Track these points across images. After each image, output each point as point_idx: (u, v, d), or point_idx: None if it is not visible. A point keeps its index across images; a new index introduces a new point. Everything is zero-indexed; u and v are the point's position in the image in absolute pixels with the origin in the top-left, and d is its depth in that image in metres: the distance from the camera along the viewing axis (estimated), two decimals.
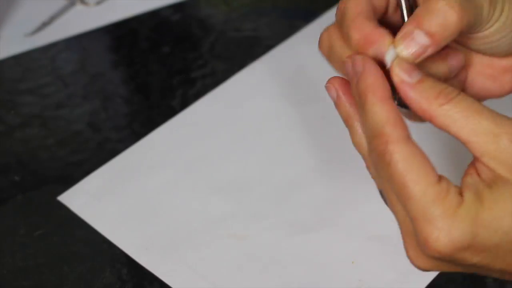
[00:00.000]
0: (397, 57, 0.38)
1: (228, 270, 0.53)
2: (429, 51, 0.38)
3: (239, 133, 0.65)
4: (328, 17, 0.77)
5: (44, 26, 0.79)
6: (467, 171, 0.39)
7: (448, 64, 0.42)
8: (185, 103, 0.69)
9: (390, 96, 0.37)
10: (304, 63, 0.72)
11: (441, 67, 0.42)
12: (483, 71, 0.45)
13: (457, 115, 0.37)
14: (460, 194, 0.36)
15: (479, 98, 0.45)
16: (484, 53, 0.44)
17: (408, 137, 0.37)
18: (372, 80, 0.37)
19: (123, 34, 0.79)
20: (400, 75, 0.38)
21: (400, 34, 0.38)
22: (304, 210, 0.57)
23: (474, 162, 0.38)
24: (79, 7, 0.82)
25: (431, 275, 0.52)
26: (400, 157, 0.36)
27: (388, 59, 0.38)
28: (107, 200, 0.59)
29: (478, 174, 0.38)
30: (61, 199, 0.60)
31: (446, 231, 0.35)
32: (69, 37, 0.78)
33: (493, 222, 0.36)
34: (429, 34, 0.38)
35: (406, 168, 0.36)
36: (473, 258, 0.36)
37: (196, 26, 0.80)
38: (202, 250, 0.55)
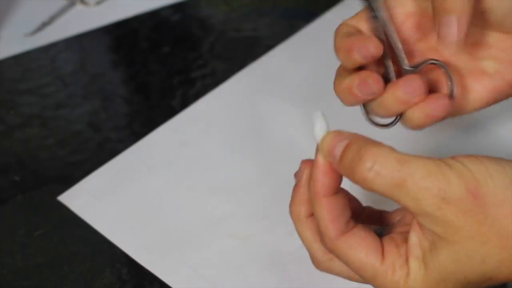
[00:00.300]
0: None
1: (228, 270, 0.53)
2: (464, 23, 0.41)
3: (239, 133, 0.65)
4: (328, 18, 0.78)
5: (44, 26, 0.79)
6: (412, 225, 0.40)
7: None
8: (185, 103, 0.69)
9: (329, 194, 0.41)
10: (304, 63, 0.73)
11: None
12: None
13: (381, 186, 0.38)
14: (406, 262, 0.39)
15: (483, 104, 0.47)
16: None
17: (343, 232, 0.40)
18: (315, 178, 0.41)
19: (123, 34, 0.79)
20: (326, 158, 0.41)
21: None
22: None
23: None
24: (79, 7, 0.82)
25: None
26: (347, 250, 0.40)
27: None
28: (107, 200, 0.59)
29: (421, 230, 0.39)
30: (61, 199, 0.60)
31: None
32: (69, 37, 0.78)
33: (440, 284, 0.39)
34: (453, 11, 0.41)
35: (351, 259, 0.40)
36: None
37: (196, 26, 0.80)
38: (202, 250, 0.55)
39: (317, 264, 0.45)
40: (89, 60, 0.76)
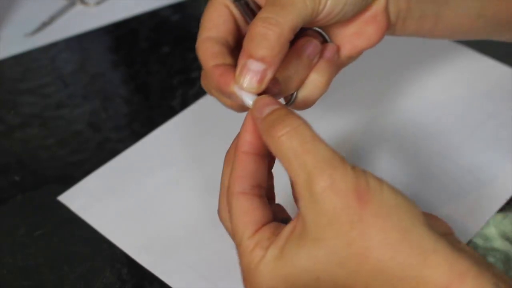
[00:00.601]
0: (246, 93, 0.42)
1: (228, 270, 0.53)
2: (269, 72, 0.41)
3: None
4: None
5: (44, 26, 0.79)
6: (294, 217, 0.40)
7: (306, 55, 0.44)
8: (185, 103, 0.69)
9: (248, 152, 0.42)
10: None
11: (302, 62, 0.44)
12: (347, 35, 0.46)
13: (288, 149, 0.39)
14: (268, 247, 0.40)
15: (355, 55, 0.47)
16: (338, 23, 0.45)
17: (239, 193, 0.41)
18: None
19: (123, 34, 0.79)
20: (253, 113, 0.41)
21: (237, 71, 0.41)
22: None
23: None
24: (79, 7, 0.82)
25: None
26: (234, 209, 0.42)
27: (243, 97, 0.42)
28: (107, 200, 0.59)
29: (297, 220, 0.39)
30: (61, 199, 0.60)
31: (248, 282, 0.40)
32: (69, 37, 0.78)
33: (289, 278, 0.39)
34: (260, 59, 0.40)
35: (232, 219, 0.42)
36: None
37: (196, 26, 0.79)
38: (202, 250, 0.55)
39: (219, 210, 0.46)
40: (89, 60, 0.76)
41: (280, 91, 0.44)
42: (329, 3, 0.43)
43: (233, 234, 0.42)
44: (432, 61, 0.70)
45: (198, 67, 0.73)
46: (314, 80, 0.45)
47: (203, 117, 0.67)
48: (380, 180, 0.38)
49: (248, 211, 0.41)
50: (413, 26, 0.48)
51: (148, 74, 0.73)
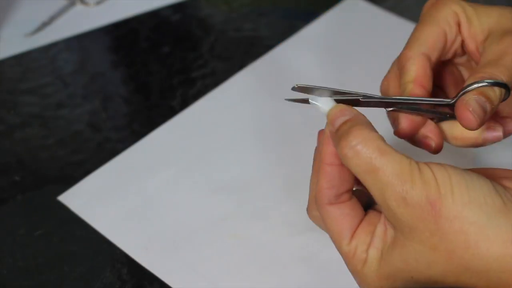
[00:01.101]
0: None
1: (228, 270, 0.53)
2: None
3: (239, 133, 0.65)
4: (328, 18, 0.78)
5: (44, 26, 0.79)
6: (381, 217, 0.43)
7: None
8: (185, 103, 0.69)
9: (332, 163, 0.43)
10: (304, 63, 0.73)
11: None
12: None
13: (357, 167, 0.41)
14: (367, 250, 0.42)
15: None
16: None
17: (327, 204, 0.43)
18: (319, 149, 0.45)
19: (123, 34, 0.79)
20: (328, 127, 0.43)
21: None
22: (304, 210, 0.57)
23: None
24: (79, 7, 0.82)
25: None
26: (325, 220, 0.43)
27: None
28: (107, 200, 0.59)
29: (386, 224, 0.42)
30: (61, 199, 0.60)
31: (360, 283, 0.43)
32: (69, 37, 0.78)
33: (391, 276, 0.41)
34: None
35: (327, 229, 0.44)
36: None
37: (196, 26, 0.80)
38: (202, 250, 0.55)
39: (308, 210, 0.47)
40: (89, 60, 0.76)
41: None
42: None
43: (333, 242, 0.44)
44: None
45: (198, 67, 0.73)
46: None
47: (203, 117, 0.67)
48: (449, 176, 0.39)
49: (338, 221, 0.43)
50: None
51: (148, 74, 0.73)
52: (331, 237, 0.44)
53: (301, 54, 0.74)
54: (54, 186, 0.61)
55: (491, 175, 0.41)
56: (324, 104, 0.44)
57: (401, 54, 0.48)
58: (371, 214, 0.44)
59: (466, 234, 0.38)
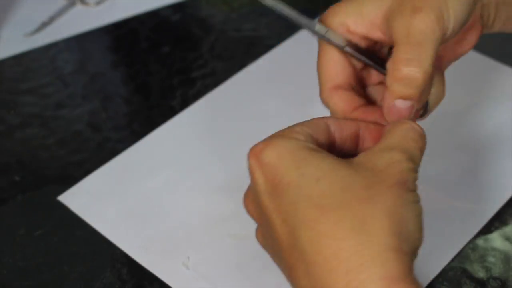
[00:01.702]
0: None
1: (228, 270, 0.53)
2: (416, 105, 0.43)
3: (239, 133, 0.65)
4: None
5: (44, 26, 0.79)
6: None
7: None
8: (185, 103, 0.69)
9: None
10: (304, 63, 0.72)
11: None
12: (449, 46, 0.48)
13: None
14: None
15: (455, 60, 0.49)
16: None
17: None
18: None
19: (123, 34, 0.79)
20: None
21: (385, 111, 0.43)
22: None
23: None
24: (79, 7, 0.82)
25: (432, 273, 0.52)
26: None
27: None
28: (107, 200, 0.59)
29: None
30: (61, 199, 0.60)
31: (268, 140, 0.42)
32: (69, 37, 0.78)
33: (301, 162, 0.39)
34: (409, 98, 0.42)
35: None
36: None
37: (196, 26, 0.80)
38: (202, 250, 0.55)
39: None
40: (89, 60, 0.76)
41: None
42: (451, 26, 0.43)
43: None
44: None
45: (198, 67, 0.73)
46: (435, 90, 0.46)
47: (203, 117, 0.67)
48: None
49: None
50: (499, 26, 0.50)
51: (148, 74, 0.73)
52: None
53: (301, 54, 0.74)
54: (54, 186, 0.61)
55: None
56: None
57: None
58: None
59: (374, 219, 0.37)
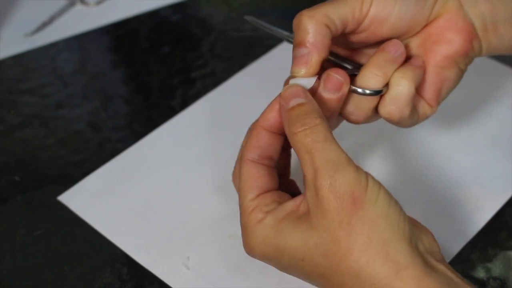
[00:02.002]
0: (288, 84, 0.47)
1: (228, 270, 0.53)
2: (314, 56, 0.45)
3: (239, 133, 0.65)
4: None
5: (44, 26, 0.79)
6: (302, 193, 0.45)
7: (387, 50, 0.47)
8: (185, 103, 0.69)
9: (266, 128, 0.47)
10: None
11: (383, 56, 0.47)
12: (427, 46, 0.49)
13: (302, 145, 0.42)
14: (267, 213, 0.44)
15: (444, 63, 0.49)
16: (409, 34, 0.49)
17: (249, 160, 0.46)
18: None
19: (123, 34, 0.79)
20: (281, 101, 0.45)
21: (292, 64, 0.47)
22: None
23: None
24: (79, 7, 0.82)
25: None
26: (242, 173, 0.46)
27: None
28: (107, 200, 0.59)
29: (302, 200, 0.44)
30: (61, 199, 0.60)
31: (244, 240, 0.45)
32: (69, 37, 0.78)
33: (280, 249, 0.43)
34: (301, 44, 0.45)
35: (242, 182, 0.46)
36: (271, 263, 0.45)
37: (196, 26, 0.80)
38: (202, 250, 0.55)
39: (233, 176, 0.50)
40: (89, 60, 0.76)
41: None
42: (374, 3, 0.45)
43: (238, 194, 0.46)
44: None
45: (198, 67, 0.73)
46: (399, 79, 0.46)
47: (203, 117, 0.67)
48: (379, 188, 0.41)
49: (253, 177, 0.46)
50: (510, 30, 0.49)
51: (148, 74, 0.73)
52: (240, 192, 0.46)
53: None
54: (54, 186, 0.61)
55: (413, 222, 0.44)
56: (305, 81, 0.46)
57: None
58: (286, 194, 0.46)
59: (370, 242, 0.40)
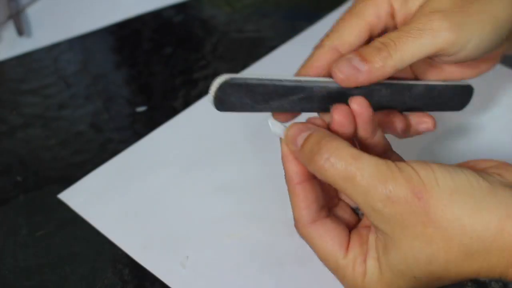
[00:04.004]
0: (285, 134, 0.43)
1: (228, 270, 0.53)
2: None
3: (239, 133, 0.65)
4: (331, 19, 0.77)
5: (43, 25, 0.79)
6: (371, 226, 0.43)
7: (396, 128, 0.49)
8: (187, 104, 0.69)
9: (301, 180, 0.43)
10: None
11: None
12: (460, 67, 0.50)
13: (335, 176, 0.40)
14: (365, 260, 0.42)
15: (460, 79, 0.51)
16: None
17: (310, 223, 0.43)
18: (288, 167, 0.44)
19: (125, 35, 0.79)
20: (288, 146, 0.43)
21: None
22: None
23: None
24: (78, 7, 0.83)
25: None
26: (313, 240, 0.43)
27: (275, 130, 0.45)
28: (107, 199, 0.60)
29: (375, 231, 0.42)
30: (61, 197, 0.60)
31: None
32: (71, 38, 0.78)
33: (394, 282, 0.41)
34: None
35: (317, 248, 0.43)
36: None
37: (199, 27, 0.80)
38: (202, 250, 0.55)
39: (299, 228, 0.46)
40: (92, 60, 0.76)
41: None
42: (471, 47, 0.45)
43: (324, 262, 0.44)
44: None
45: (201, 68, 0.73)
46: None
47: (203, 117, 0.67)
48: (429, 168, 0.39)
49: (326, 237, 0.43)
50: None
51: (151, 74, 0.73)
52: (322, 256, 0.43)
53: (304, 55, 0.73)
54: (56, 186, 0.61)
55: (472, 167, 0.41)
56: (277, 127, 0.44)
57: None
58: (359, 228, 0.44)
59: (460, 219, 0.38)
